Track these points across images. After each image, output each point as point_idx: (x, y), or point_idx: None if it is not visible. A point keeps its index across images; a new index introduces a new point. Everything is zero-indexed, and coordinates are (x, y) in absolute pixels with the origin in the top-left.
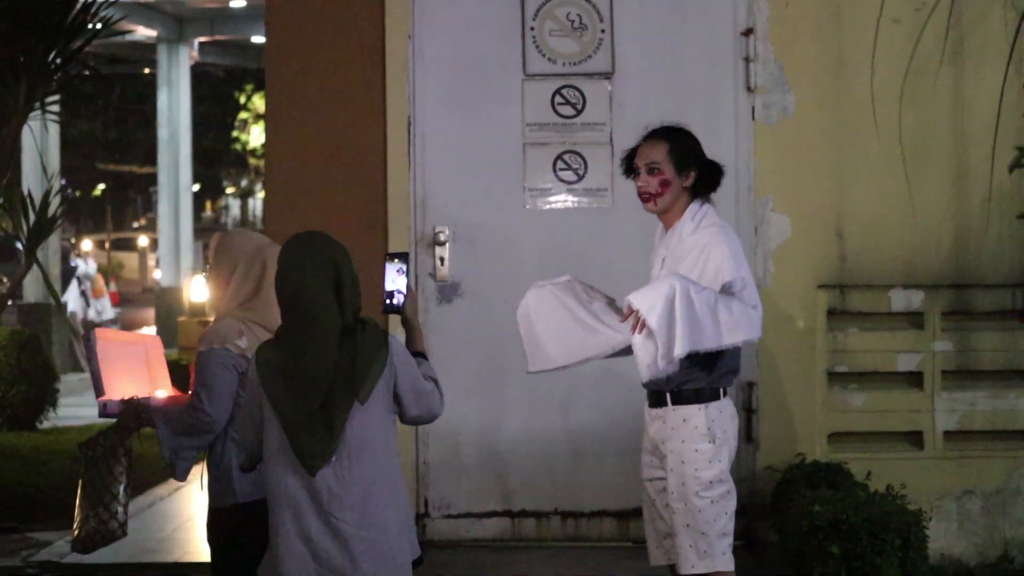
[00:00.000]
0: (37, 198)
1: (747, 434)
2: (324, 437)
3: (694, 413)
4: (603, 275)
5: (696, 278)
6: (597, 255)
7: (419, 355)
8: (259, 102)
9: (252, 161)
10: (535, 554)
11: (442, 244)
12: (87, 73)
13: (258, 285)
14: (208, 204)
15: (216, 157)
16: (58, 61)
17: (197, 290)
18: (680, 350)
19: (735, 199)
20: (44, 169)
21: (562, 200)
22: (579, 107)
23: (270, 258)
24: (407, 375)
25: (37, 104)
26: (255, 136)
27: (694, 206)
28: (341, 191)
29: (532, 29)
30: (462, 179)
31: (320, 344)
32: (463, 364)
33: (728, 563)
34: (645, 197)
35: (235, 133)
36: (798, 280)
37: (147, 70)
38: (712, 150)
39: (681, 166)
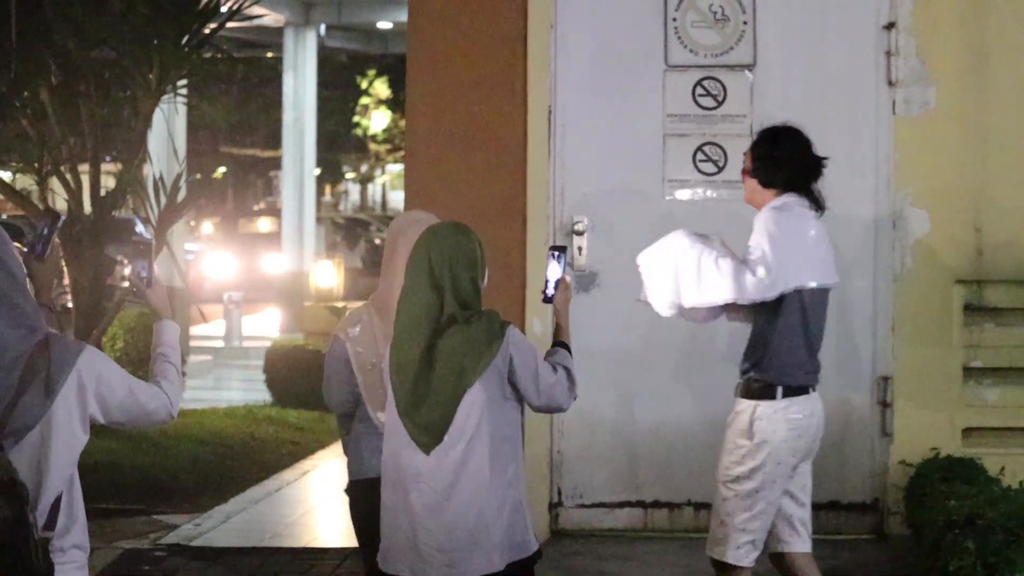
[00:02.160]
0: (165, 181)
1: (882, 428)
2: (436, 419)
3: (744, 408)
4: None
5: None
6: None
7: (560, 345)
8: (381, 87)
9: (372, 146)
10: (667, 545)
11: (580, 234)
12: (219, 56)
13: (386, 269)
14: (328, 188)
15: (337, 142)
16: (191, 44)
17: (323, 275)
18: (656, 301)
19: (874, 193)
20: (175, 152)
21: (701, 192)
22: (720, 99)
23: (400, 242)
24: (525, 365)
25: (169, 87)
26: (376, 121)
27: (778, 199)
28: (481, 179)
29: (674, 20)
30: (601, 169)
31: (409, 333)
32: (599, 353)
33: (740, 559)
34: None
35: (356, 118)
36: (935, 274)
37: (270, 54)
38: (852, 143)
39: (751, 160)
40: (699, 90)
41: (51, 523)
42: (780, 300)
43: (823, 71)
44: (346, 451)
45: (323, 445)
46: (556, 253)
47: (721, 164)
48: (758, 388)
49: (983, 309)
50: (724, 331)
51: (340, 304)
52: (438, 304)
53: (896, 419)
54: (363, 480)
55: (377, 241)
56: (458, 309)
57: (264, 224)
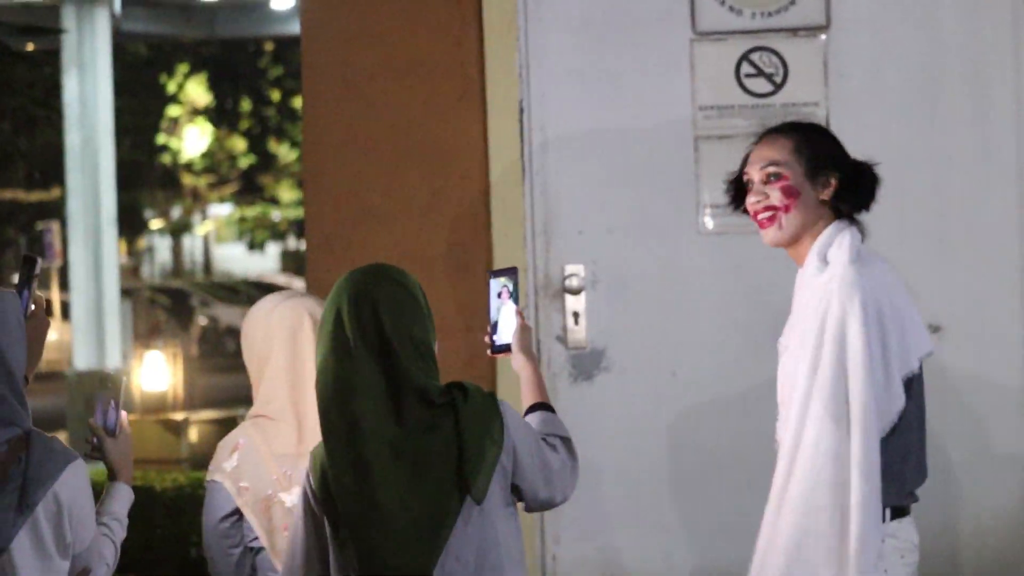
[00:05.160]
0: None
1: None
2: (419, 557)
3: None
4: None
5: (812, 358)
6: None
7: (540, 407)
8: (196, 91)
9: (188, 180)
10: None
11: (575, 292)
12: None
13: (261, 369)
14: (123, 245)
15: (134, 174)
16: None
17: (151, 374)
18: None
19: (1018, 208)
20: None
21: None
22: (778, 79)
23: (276, 331)
24: (529, 452)
25: None
26: (192, 142)
27: (830, 231)
28: (420, 215)
29: None
30: (603, 193)
31: (351, 430)
32: (611, 470)
33: None
34: (764, 219)
35: (161, 138)
36: None
37: (31, 46)
38: (980, 139)
39: (815, 169)
40: (746, 67)
41: None
42: None
43: (931, 33)
44: None
45: None
46: (501, 280)
47: None
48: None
49: None
50: None
51: (181, 416)
52: (387, 380)
53: None
54: None
55: (216, 315)
56: (428, 383)
57: None
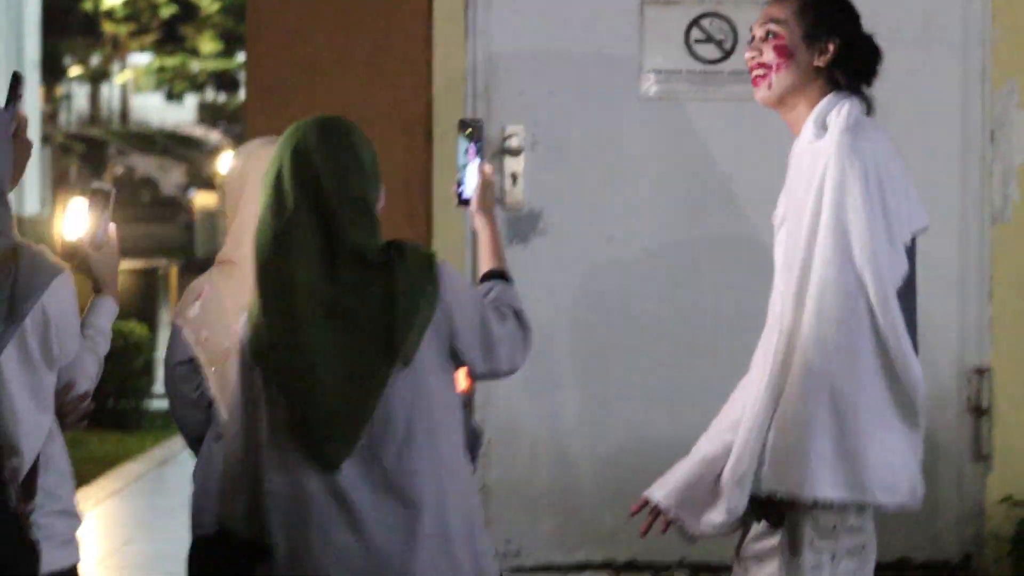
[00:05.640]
0: None
1: (974, 447)
2: (348, 415)
3: None
4: (759, 205)
5: (810, 224)
6: (750, 172)
7: (494, 276)
8: None
9: (108, 27)
10: None
11: (515, 153)
12: None
13: (233, 215)
14: (42, 92)
15: (54, 23)
16: None
17: (75, 221)
18: None
19: (961, 88)
20: None
21: (699, 88)
22: None
23: (252, 175)
24: (467, 317)
25: None
26: None
27: (829, 99)
28: (362, 72)
29: None
30: (546, 56)
31: (283, 288)
32: (544, 335)
33: None
34: (756, 76)
35: None
36: None
37: None
38: (927, 11)
39: (814, 32)
40: None
41: (28, 490)
42: None
43: None
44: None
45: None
46: (469, 130)
47: (728, 45)
48: None
49: None
50: (731, 298)
51: None
52: (323, 238)
53: (996, 434)
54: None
55: (132, 164)
56: (366, 242)
57: None
